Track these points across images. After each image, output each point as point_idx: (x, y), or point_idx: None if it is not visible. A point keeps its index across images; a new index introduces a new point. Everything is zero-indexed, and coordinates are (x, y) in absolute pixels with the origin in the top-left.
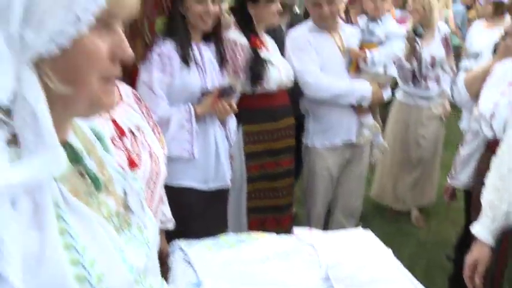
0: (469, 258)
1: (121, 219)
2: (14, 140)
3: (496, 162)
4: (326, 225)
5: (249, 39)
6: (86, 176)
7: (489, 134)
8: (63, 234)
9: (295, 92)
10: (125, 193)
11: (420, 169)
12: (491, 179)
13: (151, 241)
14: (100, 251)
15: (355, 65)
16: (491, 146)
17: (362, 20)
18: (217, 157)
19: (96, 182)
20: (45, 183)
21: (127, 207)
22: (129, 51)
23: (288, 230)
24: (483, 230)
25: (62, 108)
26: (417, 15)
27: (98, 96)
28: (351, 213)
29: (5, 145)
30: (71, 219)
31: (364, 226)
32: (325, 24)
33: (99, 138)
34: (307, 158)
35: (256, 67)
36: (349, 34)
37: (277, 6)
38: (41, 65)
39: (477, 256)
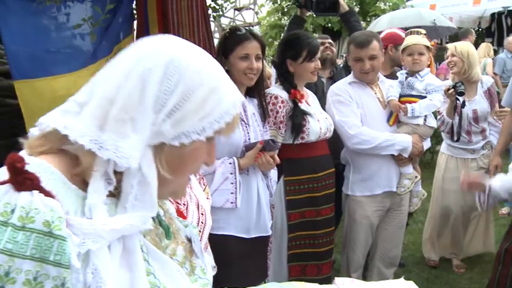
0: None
1: (188, 263)
2: (112, 194)
3: None
4: (365, 272)
5: (289, 92)
6: (159, 226)
7: None
8: (149, 275)
9: (335, 142)
10: (189, 239)
11: (475, 221)
12: None
13: (211, 281)
14: None
15: (395, 117)
16: None
17: (401, 74)
18: (258, 207)
19: (167, 232)
20: (136, 232)
21: (192, 252)
22: (214, 159)
23: (328, 278)
24: None
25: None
26: (458, 73)
27: (183, 187)
28: (390, 261)
29: (106, 197)
30: (153, 263)
31: (405, 273)
32: (366, 78)
33: None
34: (347, 207)
35: (297, 119)
36: (389, 86)
37: (316, 65)
38: (159, 151)
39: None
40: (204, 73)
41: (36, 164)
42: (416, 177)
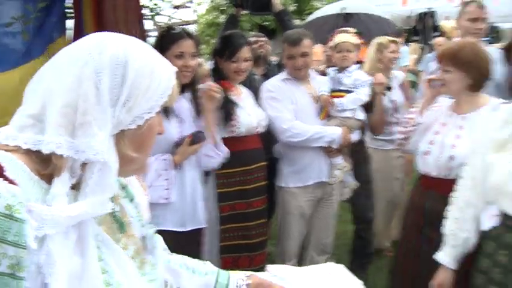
0: (435, 282)
1: (139, 259)
2: (77, 187)
3: (454, 196)
4: (300, 263)
5: (219, 84)
6: (113, 219)
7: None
8: (101, 260)
9: (268, 137)
10: (143, 237)
11: (391, 206)
12: (451, 212)
13: (161, 277)
14: (126, 278)
15: (326, 111)
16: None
17: (331, 71)
18: (193, 200)
19: (121, 225)
20: (90, 220)
21: (144, 249)
22: (163, 128)
23: (261, 269)
24: (446, 256)
25: (122, 167)
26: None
27: (145, 163)
28: (323, 249)
29: (69, 189)
30: (105, 251)
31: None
32: (299, 74)
33: (123, 187)
34: (280, 198)
35: (226, 107)
36: (320, 83)
37: (238, 66)
38: (121, 136)
39: (442, 280)
40: (142, 60)
41: (1, 155)
42: (345, 167)
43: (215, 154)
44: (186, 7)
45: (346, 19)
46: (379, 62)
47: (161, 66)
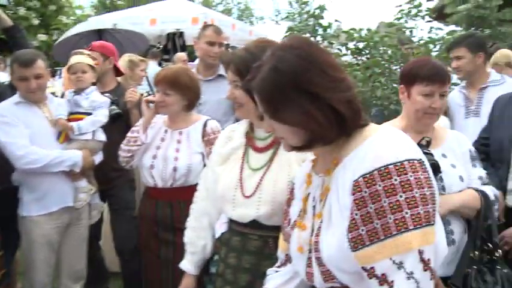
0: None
1: None
2: None
3: (192, 207)
4: None
5: None
6: None
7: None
8: None
9: (3, 165)
10: None
11: None
12: (189, 221)
13: None
14: None
15: (65, 135)
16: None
17: (69, 92)
18: None
19: None
20: None
21: None
22: None
23: None
24: (188, 263)
25: None
26: None
27: None
28: (77, 276)
29: None
30: None
31: None
32: (33, 97)
33: None
34: (23, 229)
35: None
36: (57, 105)
37: None
38: None
39: (185, 285)
40: None
41: None
42: (91, 189)
43: None
44: None
45: (99, 35)
46: (131, 79)
47: None
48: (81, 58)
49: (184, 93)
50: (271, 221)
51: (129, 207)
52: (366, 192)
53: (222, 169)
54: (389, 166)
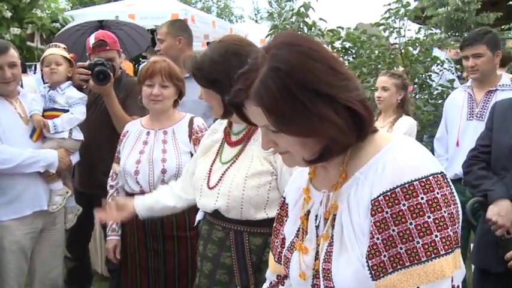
0: None
1: None
2: None
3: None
4: None
5: None
6: None
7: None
8: None
9: None
10: None
11: None
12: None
13: None
14: None
15: (40, 132)
16: None
17: (44, 87)
18: None
19: None
20: None
21: None
22: None
23: None
24: (139, 199)
25: None
26: None
27: None
28: (52, 284)
29: None
30: None
31: None
32: (7, 89)
33: None
34: None
35: None
36: (31, 100)
37: None
38: None
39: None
40: None
41: None
42: (67, 192)
43: None
44: None
45: (102, 28)
46: None
47: None
48: (55, 50)
49: (178, 86)
50: (230, 214)
51: None
52: (387, 212)
53: (201, 160)
54: (415, 182)
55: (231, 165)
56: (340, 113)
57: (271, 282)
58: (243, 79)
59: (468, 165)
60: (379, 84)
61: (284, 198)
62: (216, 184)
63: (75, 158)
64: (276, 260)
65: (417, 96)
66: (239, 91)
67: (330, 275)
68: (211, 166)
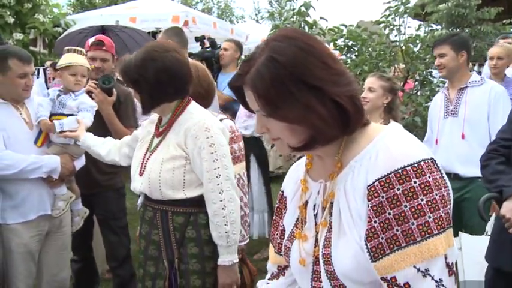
0: None
1: None
2: None
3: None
4: None
5: None
6: None
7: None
8: None
9: None
10: None
11: None
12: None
13: None
14: None
15: (44, 138)
16: None
17: (53, 91)
18: None
19: None
20: None
21: None
22: None
23: None
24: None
25: None
26: None
27: None
28: (58, 285)
29: None
30: None
31: None
32: (25, 96)
33: None
34: (0, 237)
35: None
36: (37, 105)
37: None
38: None
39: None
40: None
41: None
42: (71, 197)
43: None
44: None
45: (103, 33)
46: None
47: None
48: (83, 61)
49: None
50: (154, 196)
51: (116, 217)
52: (383, 197)
53: (138, 146)
54: (407, 168)
55: (153, 152)
56: (326, 105)
57: (272, 273)
58: (243, 66)
59: (486, 159)
60: (366, 84)
61: (282, 191)
62: (142, 169)
63: (80, 163)
64: (276, 251)
65: (418, 93)
66: (238, 76)
67: (329, 259)
68: (145, 154)
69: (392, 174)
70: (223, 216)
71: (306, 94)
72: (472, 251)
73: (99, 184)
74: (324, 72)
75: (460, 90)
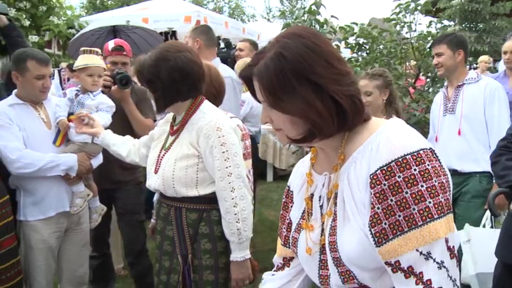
0: None
1: None
2: None
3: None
4: None
5: None
6: None
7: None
8: None
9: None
10: None
11: None
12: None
13: None
14: None
15: (63, 137)
16: None
17: (71, 91)
18: None
19: None
20: None
21: None
22: None
23: None
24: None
25: None
26: None
27: None
28: (79, 282)
29: None
30: None
31: None
32: (43, 97)
33: None
34: (21, 233)
35: None
36: (55, 106)
37: None
38: None
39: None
40: None
41: None
42: (88, 195)
43: None
44: None
45: (115, 35)
46: None
47: None
48: (99, 61)
49: None
50: (168, 193)
51: (135, 211)
52: (385, 185)
53: (153, 145)
54: (407, 156)
55: (167, 151)
56: (325, 102)
57: (277, 265)
58: (254, 58)
59: (496, 155)
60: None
61: (288, 186)
62: (157, 167)
63: (97, 161)
64: (283, 243)
65: (430, 90)
66: (248, 67)
67: (336, 246)
68: (160, 152)
69: (393, 162)
70: (235, 214)
71: (306, 89)
72: (481, 243)
73: (121, 179)
74: (326, 71)
75: (457, 87)
